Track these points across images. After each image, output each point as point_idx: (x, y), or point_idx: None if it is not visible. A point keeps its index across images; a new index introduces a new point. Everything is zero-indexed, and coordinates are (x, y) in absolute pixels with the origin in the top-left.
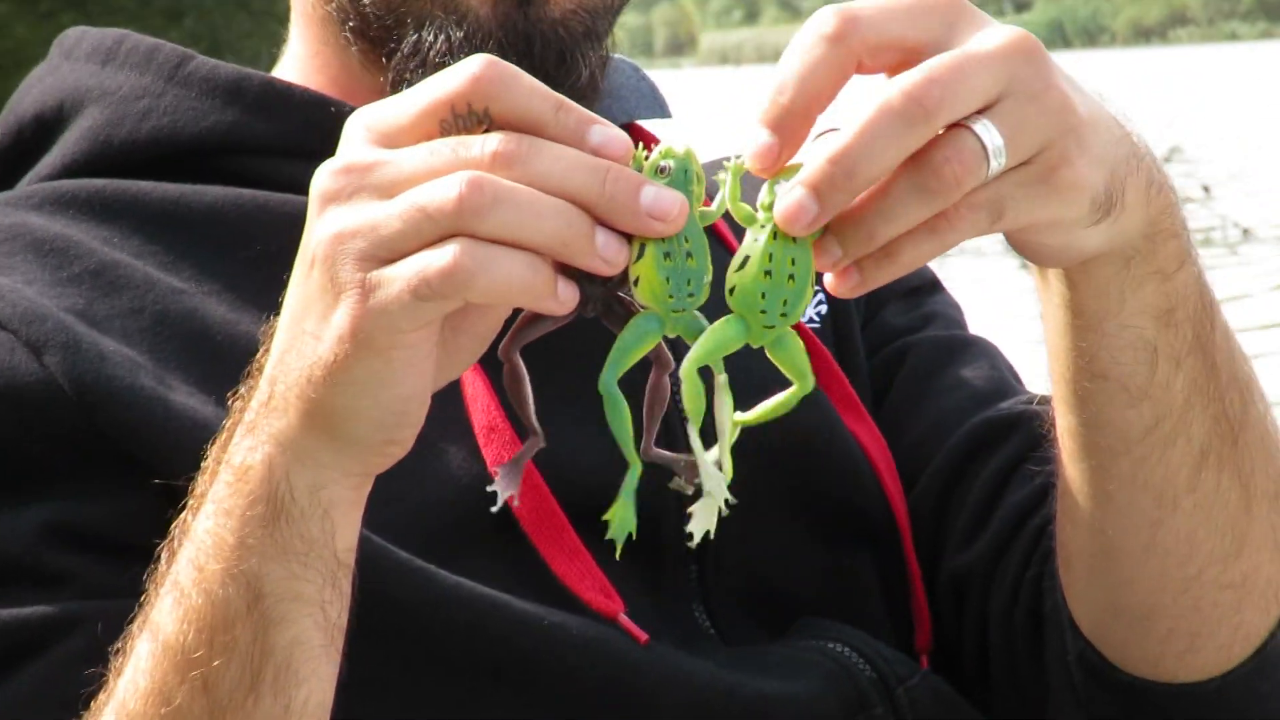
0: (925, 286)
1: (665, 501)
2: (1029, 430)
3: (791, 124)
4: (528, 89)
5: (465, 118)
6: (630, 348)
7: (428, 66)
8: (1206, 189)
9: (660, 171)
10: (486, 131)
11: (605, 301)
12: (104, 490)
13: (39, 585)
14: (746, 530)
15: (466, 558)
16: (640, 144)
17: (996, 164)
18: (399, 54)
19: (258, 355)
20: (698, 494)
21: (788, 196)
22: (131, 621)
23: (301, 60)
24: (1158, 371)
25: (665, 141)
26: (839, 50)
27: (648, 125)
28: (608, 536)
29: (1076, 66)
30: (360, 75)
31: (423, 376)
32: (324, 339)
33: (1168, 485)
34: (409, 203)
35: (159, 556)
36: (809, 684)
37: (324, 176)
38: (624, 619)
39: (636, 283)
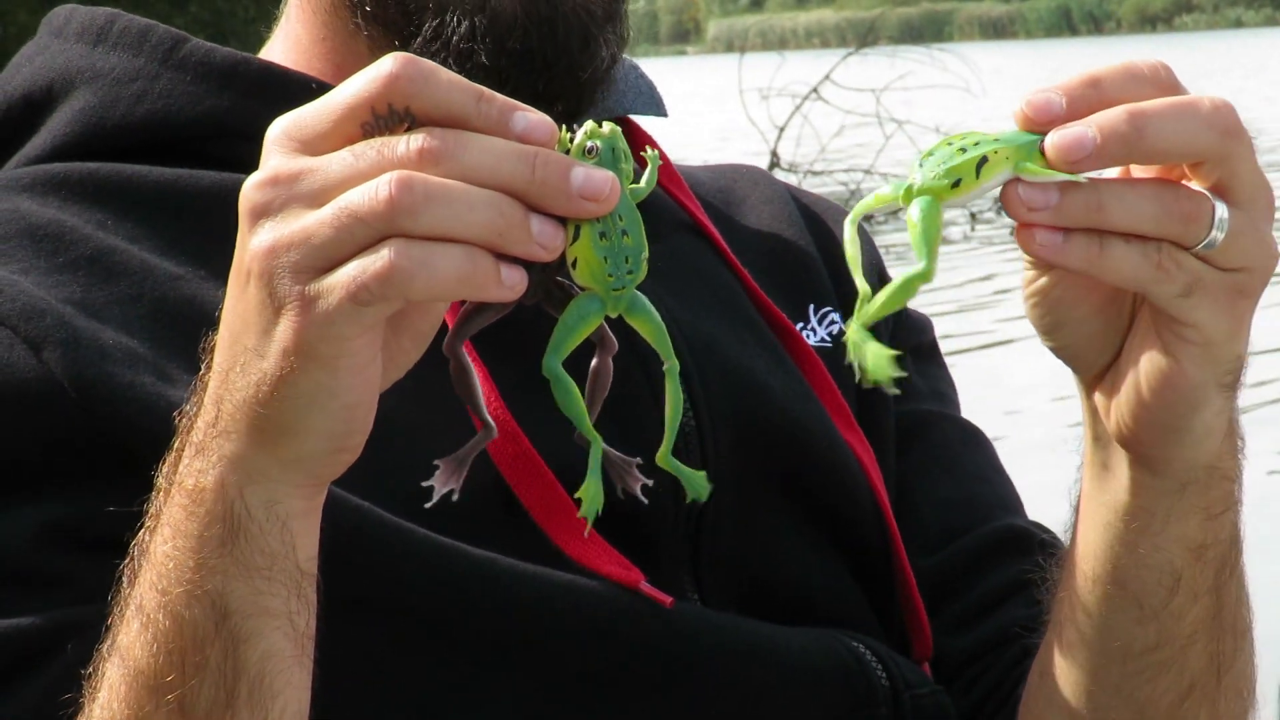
0: (927, 348)
1: (661, 494)
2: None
3: (1079, 108)
4: (446, 83)
5: (387, 118)
6: (573, 329)
7: (450, 51)
8: None
9: (588, 152)
10: (409, 129)
11: (545, 287)
12: (104, 488)
13: (38, 588)
14: (742, 523)
15: (477, 548)
16: (563, 126)
17: (1214, 235)
18: (418, 39)
19: (200, 373)
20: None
21: (1070, 128)
22: (101, 643)
23: (304, 45)
24: (1174, 600)
25: (588, 123)
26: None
27: (643, 123)
28: (579, 514)
29: (1082, 54)
30: (367, 62)
31: (369, 383)
32: (268, 355)
33: (1150, 707)
34: (339, 209)
35: (120, 577)
36: (827, 662)
37: (251, 191)
38: (646, 586)
39: (575, 265)
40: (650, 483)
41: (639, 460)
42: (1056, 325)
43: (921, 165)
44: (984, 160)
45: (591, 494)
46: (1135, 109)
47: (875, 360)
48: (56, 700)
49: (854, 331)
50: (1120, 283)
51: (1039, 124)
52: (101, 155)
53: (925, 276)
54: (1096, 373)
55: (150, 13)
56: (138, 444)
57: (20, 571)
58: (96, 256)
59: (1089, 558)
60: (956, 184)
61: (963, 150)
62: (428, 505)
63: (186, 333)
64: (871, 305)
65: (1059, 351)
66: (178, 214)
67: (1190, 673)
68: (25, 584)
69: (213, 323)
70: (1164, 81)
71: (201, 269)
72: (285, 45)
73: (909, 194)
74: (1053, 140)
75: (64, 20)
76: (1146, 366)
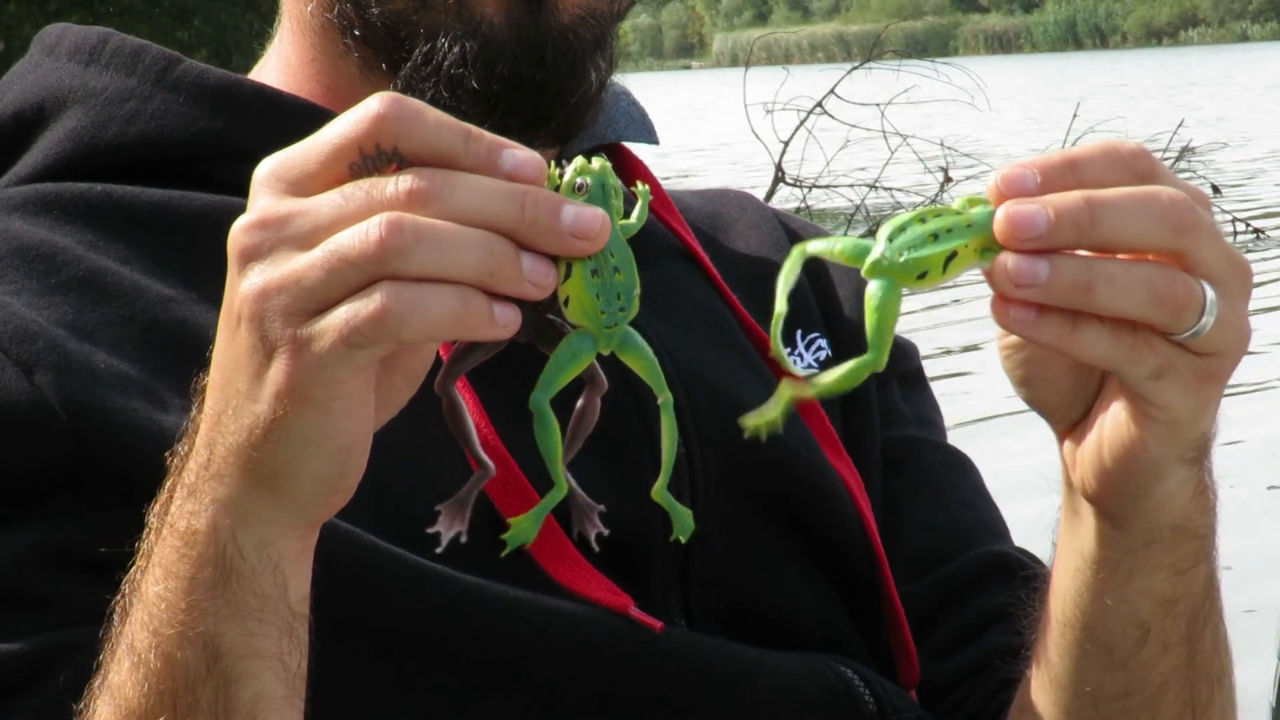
0: (914, 375)
1: (650, 519)
2: (1026, 585)
3: (1052, 189)
4: (434, 122)
5: (375, 158)
6: (564, 367)
7: (441, 78)
8: (1216, 189)
9: (578, 189)
10: (397, 169)
11: (537, 325)
12: (95, 510)
13: (26, 610)
14: (731, 549)
15: (469, 573)
16: (553, 162)
17: (1205, 321)
18: (409, 64)
19: (192, 413)
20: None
21: (1022, 204)
22: (91, 675)
23: (294, 68)
24: (1144, 650)
25: (578, 160)
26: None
27: (635, 149)
28: (503, 536)
29: (1088, 67)
30: (359, 83)
31: (363, 423)
32: (260, 399)
33: None
34: (329, 252)
35: (111, 613)
36: (815, 687)
37: (240, 233)
38: (635, 611)
39: (567, 303)
40: (606, 532)
41: (603, 508)
42: (1028, 380)
43: (890, 239)
44: (953, 255)
45: (522, 528)
46: (1093, 196)
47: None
48: None
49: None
50: (1090, 361)
51: (1009, 198)
52: (94, 175)
53: (874, 365)
54: (1067, 426)
55: (154, 26)
56: (129, 468)
57: (8, 594)
58: (88, 278)
59: (1060, 600)
60: (922, 275)
61: (934, 237)
62: (439, 550)
63: (178, 355)
64: (822, 380)
65: (1031, 403)
66: (169, 235)
67: (1163, 719)
68: (13, 606)
69: (204, 345)
70: (1140, 169)
71: (193, 291)
72: (277, 66)
73: (872, 268)
74: (1004, 213)
75: (56, 39)
76: (1110, 434)
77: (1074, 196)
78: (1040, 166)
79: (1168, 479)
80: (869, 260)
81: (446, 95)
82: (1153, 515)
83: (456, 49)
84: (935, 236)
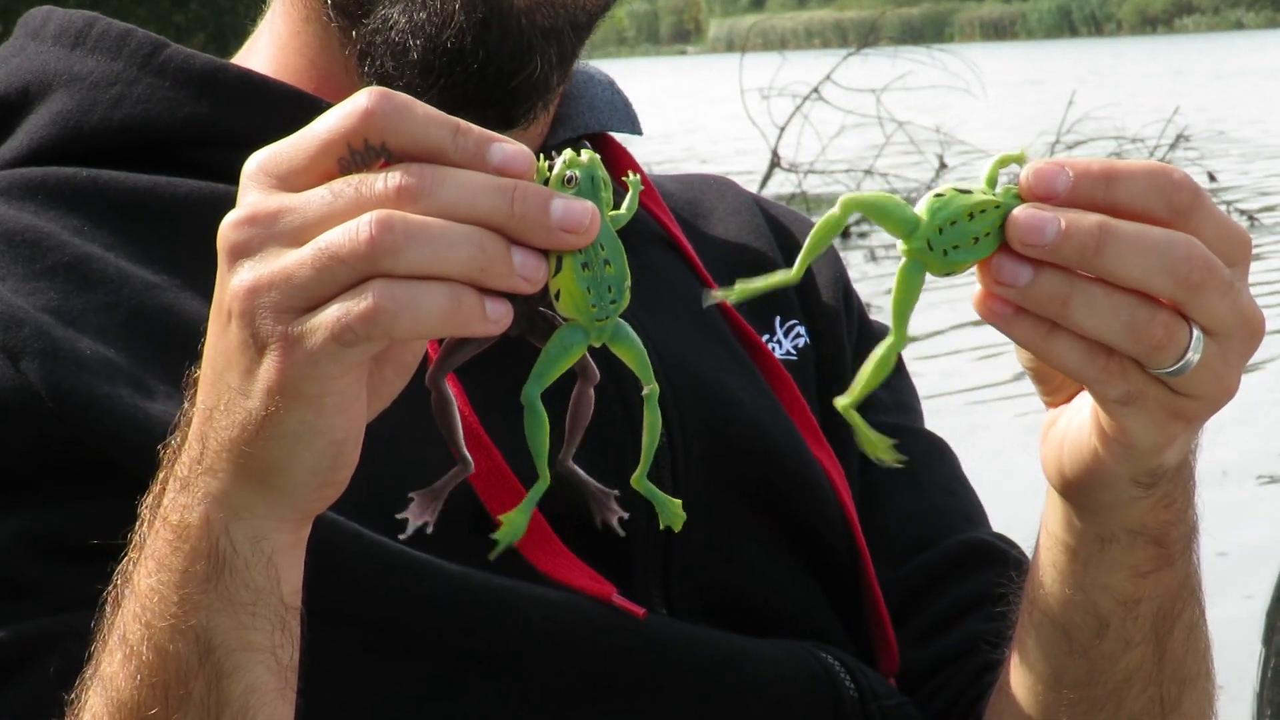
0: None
1: (632, 510)
2: (1005, 571)
3: (1080, 196)
4: (423, 118)
5: (363, 153)
6: (556, 360)
7: (389, 45)
8: (1212, 176)
9: (567, 182)
10: (386, 164)
11: (528, 318)
12: (81, 497)
13: (12, 598)
14: (712, 537)
15: (451, 562)
16: (541, 155)
17: (1183, 363)
18: (365, 29)
19: (184, 406)
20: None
21: (1038, 211)
22: (82, 667)
23: (281, 39)
24: (1103, 644)
25: (568, 151)
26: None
27: (619, 139)
28: (494, 535)
29: (1083, 54)
30: (338, 55)
31: (355, 418)
32: (252, 394)
33: None
34: (320, 249)
35: (103, 603)
36: (797, 673)
37: (229, 230)
38: (618, 598)
39: (558, 296)
40: (626, 515)
41: (617, 492)
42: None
43: (940, 231)
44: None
45: (515, 525)
46: (1107, 225)
47: (870, 446)
48: (31, 713)
49: (844, 409)
50: (1060, 370)
51: (1036, 193)
52: (79, 160)
53: (896, 347)
54: (1052, 402)
55: (150, 10)
56: (115, 455)
57: None
58: (74, 263)
59: (1032, 578)
60: (949, 273)
61: (975, 240)
62: (402, 537)
63: (163, 342)
64: (856, 384)
65: (1026, 367)
66: (156, 221)
67: (1128, 712)
68: (1, 594)
69: (190, 332)
70: (1180, 202)
71: (178, 277)
72: (268, 41)
73: (909, 241)
74: (1018, 216)
75: (41, 22)
76: (1073, 430)
77: (1089, 219)
78: (1077, 169)
79: (1115, 491)
80: (910, 245)
81: (390, 65)
82: (1105, 515)
83: (405, 19)
84: (976, 240)
